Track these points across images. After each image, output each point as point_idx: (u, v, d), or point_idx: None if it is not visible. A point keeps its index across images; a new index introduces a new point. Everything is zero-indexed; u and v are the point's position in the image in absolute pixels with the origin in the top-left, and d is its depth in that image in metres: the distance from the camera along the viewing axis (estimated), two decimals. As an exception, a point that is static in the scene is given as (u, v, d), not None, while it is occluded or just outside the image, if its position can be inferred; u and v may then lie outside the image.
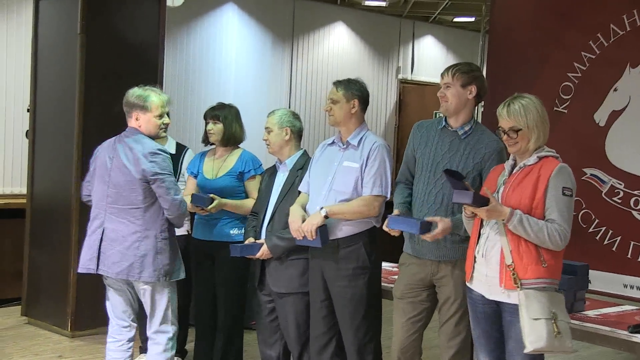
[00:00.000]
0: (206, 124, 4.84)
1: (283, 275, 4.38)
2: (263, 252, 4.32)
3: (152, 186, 4.07)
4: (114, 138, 4.30)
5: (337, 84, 4.20)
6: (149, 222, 4.11)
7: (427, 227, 3.69)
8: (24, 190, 6.81)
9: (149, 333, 4.28)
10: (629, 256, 5.15)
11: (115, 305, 4.30)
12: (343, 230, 4.07)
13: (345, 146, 4.14)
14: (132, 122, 4.34)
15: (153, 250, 4.11)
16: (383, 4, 9.96)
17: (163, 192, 4.14)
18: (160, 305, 4.24)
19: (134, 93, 4.42)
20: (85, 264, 4.05)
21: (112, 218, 4.10)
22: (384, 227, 3.84)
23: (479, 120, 6.19)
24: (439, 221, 3.66)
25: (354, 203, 4.07)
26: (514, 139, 3.42)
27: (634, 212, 5.17)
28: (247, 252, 4.38)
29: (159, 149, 4.21)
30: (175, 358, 4.97)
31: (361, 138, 4.14)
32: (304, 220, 4.15)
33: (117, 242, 4.04)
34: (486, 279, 3.46)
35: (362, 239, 4.10)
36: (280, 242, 4.27)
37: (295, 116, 4.60)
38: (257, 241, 4.40)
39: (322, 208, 4.04)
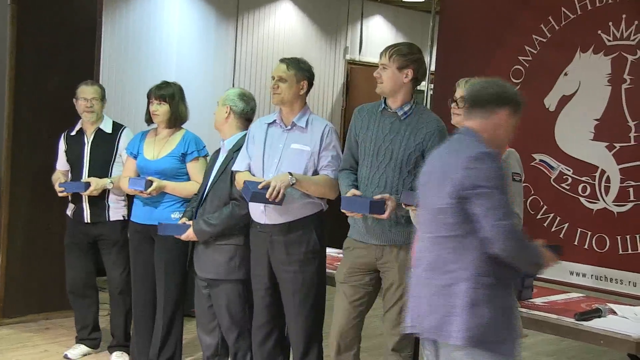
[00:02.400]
0: (149, 103, 4.49)
1: (209, 260, 4.17)
2: (189, 234, 4.07)
3: None
4: None
5: (288, 62, 3.96)
6: None
7: (377, 206, 3.54)
8: None
9: None
10: (575, 243, 4.91)
11: None
12: (294, 213, 3.82)
13: (289, 127, 3.87)
14: None
15: None
16: None
17: None
18: None
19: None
20: None
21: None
22: (342, 209, 3.64)
23: (428, 100, 5.86)
24: (387, 199, 3.52)
25: (320, 180, 3.85)
26: (461, 109, 3.34)
27: (582, 199, 4.94)
28: (173, 231, 4.13)
29: None
30: (118, 352, 4.86)
31: (307, 120, 3.93)
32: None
33: None
34: None
35: (314, 222, 3.88)
36: (206, 227, 4.03)
37: (243, 97, 4.26)
38: (187, 222, 4.14)
39: (290, 174, 3.74)
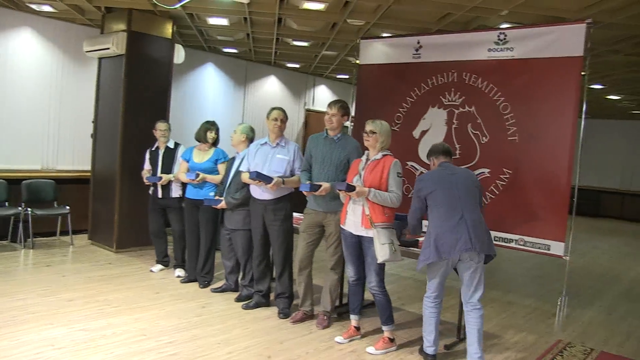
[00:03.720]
0: (208, 130, 5.65)
1: (233, 218, 5.24)
2: (222, 205, 5.18)
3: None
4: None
5: (282, 110, 4.99)
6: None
7: (315, 187, 4.45)
8: (89, 168, 7.79)
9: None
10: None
11: None
12: (277, 194, 4.86)
13: (274, 145, 4.91)
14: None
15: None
16: (297, 66, 11.22)
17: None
18: None
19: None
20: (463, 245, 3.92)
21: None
22: (300, 190, 4.57)
23: (350, 130, 6.79)
24: (323, 184, 4.47)
25: (296, 179, 4.81)
26: (371, 137, 4.24)
27: None
28: (213, 203, 5.24)
29: None
30: (179, 269, 6.04)
31: (285, 141, 4.97)
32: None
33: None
34: (354, 223, 4.28)
35: (288, 198, 4.96)
36: (233, 200, 5.16)
37: (252, 130, 5.48)
38: (219, 198, 5.25)
39: (282, 177, 4.72)
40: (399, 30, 7.08)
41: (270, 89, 11.61)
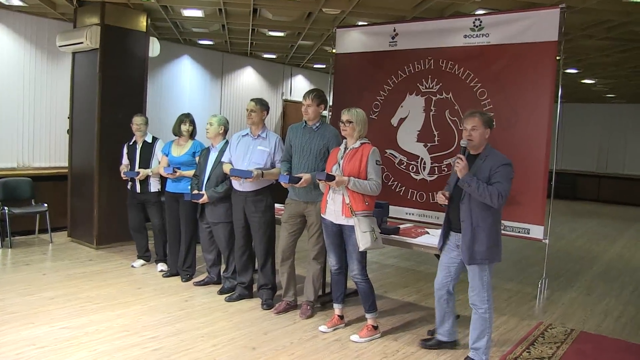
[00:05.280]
0: (182, 123, 5.63)
1: (215, 211, 5.24)
2: (205, 199, 5.17)
3: None
4: None
5: (256, 100, 4.98)
6: None
7: (294, 179, 4.45)
8: (66, 164, 7.64)
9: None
10: (408, 197, 6.23)
11: None
12: (257, 185, 4.88)
13: (256, 137, 4.94)
14: None
15: None
16: (274, 56, 11.24)
17: None
18: None
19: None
20: None
21: None
22: (279, 181, 4.56)
23: (328, 119, 6.89)
24: (303, 175, 4.47)
25: (276, 171, 4.83)
26: (347, 126, 4.25)
27: (411, 174, 6.23)
28: (195, 197, 5.24)
29: None
30: (161, 263, 6.05)
31: (266, 133, 4.99)
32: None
33: None
34: (334, 212, 4.28)
35: (269, 189, 4.99)
36: (214, 194, 5.16)
37: (227, 122, 5.50)
38: (200, 192, 5.20)
39: (262, 169, 4.74)
40: (374, 19, 7.09)
41: (247, 80, 11.60)
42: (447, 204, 3.98)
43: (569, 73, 10.76)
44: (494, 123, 3.95)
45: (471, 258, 3.79)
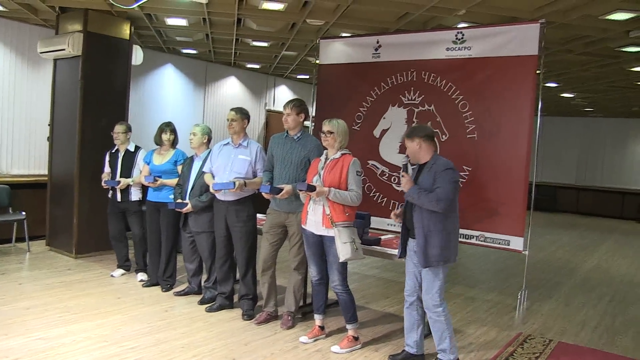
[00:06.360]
0: (163, 132, 5.63)
1: (198, 220, 5.25)
2: (189, 208, 5.18)
3: None
4: None
5: (236, 110, 5.00)
6: None
7: (276, 190, 4.48)
8: (45, 172, 7.58)
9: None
10: (390, 208, 6.19)
11: None
12: (239, 195, 4.87)
13: (237, 146, 4.93)
14: None
15: None
16: (257, 66, 11.25)
17: None
18: None
19: None
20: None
21: None
22: (260, 191, 4.63)
23: (311, 130, 6.89)
24: (284, 187, 4.48)
25: (258, 180, 4.84)
26: (328, 137, 4.28)
27: (393, 185, 6.26)
28: (179, 207, 5.24)
29: None
30: (141, 273, 6.03)
31: (247, 142, 4.97)
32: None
33: None
34: (315, 222, 4.29)
35: (251, 199, 4.99)
36: (199, 203, 5.17)
37: (211, 131, 5.51)
38: (184, 201, 5.21)
39: (243, 179, 4.76)
40: (358, 30, 7.14)
41: (231, 89, 11.63)
42: (400, 220, 4.13)
43: (549, 87, 10.91)
44: (438, 132, 4.26)
45: (426, 261, 3.92)
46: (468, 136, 5.76)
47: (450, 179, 3.85)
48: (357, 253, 4.16)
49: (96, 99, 7.04)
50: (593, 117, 16.74)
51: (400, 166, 5.80)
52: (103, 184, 5.99)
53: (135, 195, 6.03)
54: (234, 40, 8.46)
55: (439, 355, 4.11)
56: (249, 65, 11.34)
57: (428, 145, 3.99)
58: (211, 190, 4.91)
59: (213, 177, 5.05)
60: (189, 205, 5.19)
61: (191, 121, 9.65)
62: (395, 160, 6.29)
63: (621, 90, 11.00)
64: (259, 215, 5.23)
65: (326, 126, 4.32)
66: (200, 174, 5.25)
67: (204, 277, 5.58)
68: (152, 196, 5.74)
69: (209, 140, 5.47)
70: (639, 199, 15.86)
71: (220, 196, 4.92)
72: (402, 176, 4.04)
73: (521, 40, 5.43)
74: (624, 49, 7.34)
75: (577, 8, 5.72)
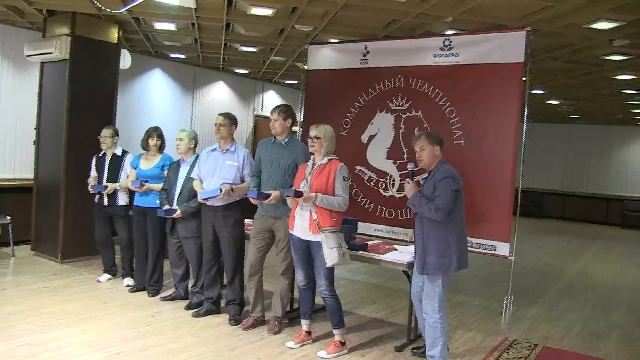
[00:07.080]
0: (150, 137, 5.64)
1: (187, 226, 5.25)
2: (178, 214, 5.16)
3: None
4: None
5: (224, 115, 5.01)
6: None
7: (263, 196, 4.49)
8: (32, 176, 7.54)
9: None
10: (377, 214, 6.26)
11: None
12: (227, 200, 4.89)
13: (225, 151, 4.94)
14: None
15: None
16: (246, 71, 11.29)
17: None
18: None
19: None
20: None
21: None
22: (247, 196, 4.64)
23: (299, 135, 6.92)
24: (272, 192, 4.50)
25: (245, 186, 4.86)
26: (315, 142, 4.30)
27: (380, 191, 6.26)
28: (168, 213, 5.23)
29: None
30: (128, 278, 6.01)
31: (235, 147, 4.99)
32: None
33: None
34: (302, 228, 4.29)
35: (238, 204, 4.99)
36: (188, 208, 5.17)
37: (196, 134, 5.51)
38: (172, 207, 5.20)
39: (230, 185, 4.77)
40: (346, 36, 7.15)
41: (219, 94, 11.63)
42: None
43: (535, 93, 11.01)
44: (442, 139, 4.17)
45: (423, 268, 3.98)
46: (455, 142, 5.78)
47: (448, 187, 3.87)
48: (344, 258, 4.16)
49: (83, 102, 7.01)
50: (578, 124, 16.91)
51: (386, 171, 6.18)
52: (90, 188, 5.96)
53: (122, 199, 6.00)
54: (223, 45, 8.46)
55: None
56: (238, 70, 11.35)
57: (437, 151, 4.08)
58: (199, 199, 4.92)
59: (201, 183, 5.03)
60: (178, 212, 5.17)
61: (179, 126, 9.36)
62: (382, 166, 6.30)
63: (606, 97, 11.12)
64: (246, 220, 5.23)
65: (313, 131, 4.34)
66: (188, 179, 5.24)
67: (191, 282, 5.55)
68: (139, 201, 5.73)
69: (196, 144, 5.48)
70: (623, 205, 16.04)
71: (208, 202, 4.91)
72: (407, 182, 4.11)
73: (508, 47, 5.47)
74: (607, 58, 7.41)
75: (562, 17, 5.79)
